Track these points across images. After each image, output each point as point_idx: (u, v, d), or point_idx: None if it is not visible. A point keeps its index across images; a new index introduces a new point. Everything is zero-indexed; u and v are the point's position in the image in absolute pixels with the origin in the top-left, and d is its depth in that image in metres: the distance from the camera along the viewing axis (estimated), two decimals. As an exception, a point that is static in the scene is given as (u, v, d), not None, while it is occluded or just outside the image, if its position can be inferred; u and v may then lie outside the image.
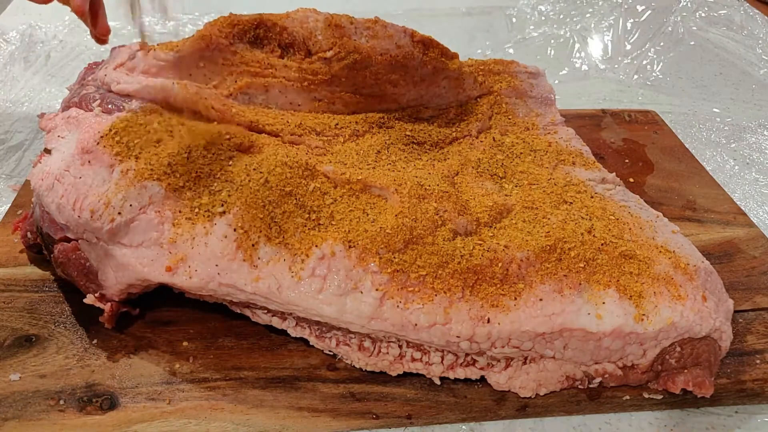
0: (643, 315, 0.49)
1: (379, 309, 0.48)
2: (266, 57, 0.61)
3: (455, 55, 0.66)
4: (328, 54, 0.60)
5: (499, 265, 0.49)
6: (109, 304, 0.51)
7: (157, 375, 0.50)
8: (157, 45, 0.60)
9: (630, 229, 0.54)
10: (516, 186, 0.59)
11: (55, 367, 0.50)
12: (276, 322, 0.52)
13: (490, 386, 0.51)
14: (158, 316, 0.54)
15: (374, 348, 0.51)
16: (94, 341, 0.52)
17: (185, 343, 0.53)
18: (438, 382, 0.51)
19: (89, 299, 0.51)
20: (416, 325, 0.47)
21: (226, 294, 0.49)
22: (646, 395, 0.52)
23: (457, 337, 0.48)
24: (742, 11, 1.16)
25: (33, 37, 1.01)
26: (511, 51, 1.08)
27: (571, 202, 0.56)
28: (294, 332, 0.52)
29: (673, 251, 0.53)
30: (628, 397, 0.52)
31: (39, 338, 0.52)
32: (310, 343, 0.52)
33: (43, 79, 0.93)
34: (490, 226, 0.54)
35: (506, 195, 0.57)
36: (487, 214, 0.54)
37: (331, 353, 0.52)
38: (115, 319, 0.52)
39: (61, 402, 0.48)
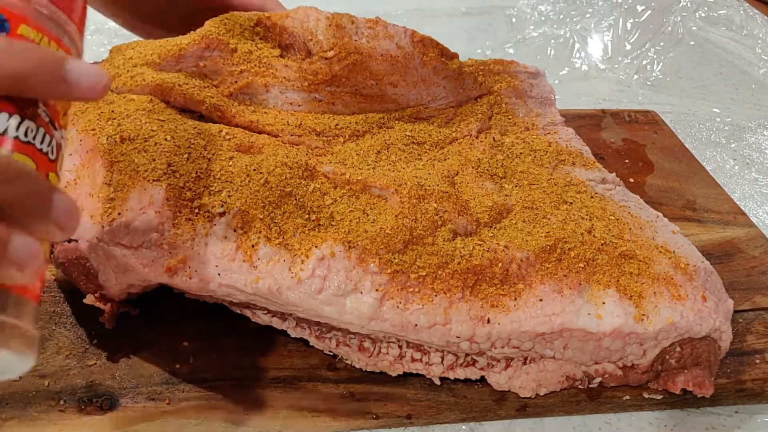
0: (643, 315, 0.49)
1: (379, 309, 0.48)
2: (267, 57, 0.61)
3: (455, 55, 0.66)
4: (329, 54, 0.60)
5: (499, 265, 0.49)
6: (109, 304, 0.51)
7: (157, 375, 0.50)
8: (158, 43, 0.60)
9: (630, 229, 0.54)
10: (516, 186, 0.59)
11: (55, 367, 0.50)
12: (276, 323, 0.52)
13: (490, 386, 0.51)
14: (158, 316, 0.54)
15: (374, 348, 0.51)
16: (94, 341, 0.52)
17: (185, 343, 0.53)
18: (438, 383, 0.51)
19: (89, 299, 0.51)
20: (416, 325, 0.47)
21: (226, 294, 0.49)
22: (646, 395, 0.52)
23: (457, 337, 0.48)
24: (742, 11, 1.16)
25: (33, 37, 1.01)
26: (511, 51, 1.08)
27: (571, 202, 0.56)
28: (294, 333, 0.52)
29: (673, 251, 0.53)
30: (628, 397, 0.52)
31: (39, 338, 0.52)
32: (310, 344, 0.52)
33: (43, 79, 0.93)
34: (490, 227, 0.54)
35: (506, 195, 0.57)
36: (487, 215, 0.54)
37: (331, 353, 0.52)
38: (115, 319, 0.52)
39: (61, 402, 0.48)
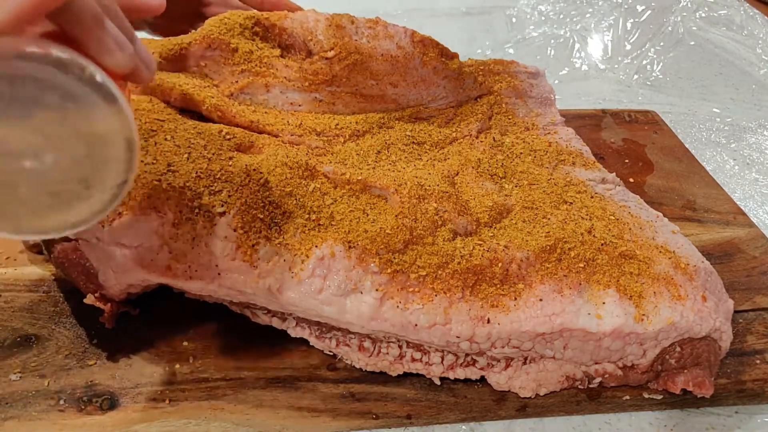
0: (643, 315, 0.49)
1: (379, 309, 0.48)
2: (267, 57, 0.61)
3: (455, 55, 0.66)
4: (330, 54, 0.60)
5: (499, 265, 0.49)
6: (109, 304, 0.51)
7: (157, 375, 0.50)
8: (159, 42, 0.60)
9: (630, 229, 0.54)
10: (516, 186, 0.59)
11: (55, 367, 0.50)
12: (276, 323, 0.52)
13: (490, 386, 0.51)
14: (158, 316, 0.54)
15: (374, 348, 0.51)
16: (94, 341, 0.52)
17: (185, 343, 0.53)
18: (438, 382, 0.51)
19: (89, 299, 0.51)
20: (416, 325, 0.47)
21: (226, 294, 0.49)
22: (646, 395, 0.52)
23: (457, 337, 0.48)
24: (742, 11, 1.16)
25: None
26: (511, 51, 1.08)
27: (571, 202, 0.56)
28: (294, 333, 0.52)
29: (673, 251, 0.53)
30: (628, 397, 0.52)
31: (39, 338, 0.52)
32: (310, 344, 0.52)
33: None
34: (490, 226, 0.54)
35: (506, 195, 0.57)
36: (487, 214, 0.54)
37: (331, 353, 0.52)
38: (115, 319, 0.52)
39: (61, 402, 0.48)
